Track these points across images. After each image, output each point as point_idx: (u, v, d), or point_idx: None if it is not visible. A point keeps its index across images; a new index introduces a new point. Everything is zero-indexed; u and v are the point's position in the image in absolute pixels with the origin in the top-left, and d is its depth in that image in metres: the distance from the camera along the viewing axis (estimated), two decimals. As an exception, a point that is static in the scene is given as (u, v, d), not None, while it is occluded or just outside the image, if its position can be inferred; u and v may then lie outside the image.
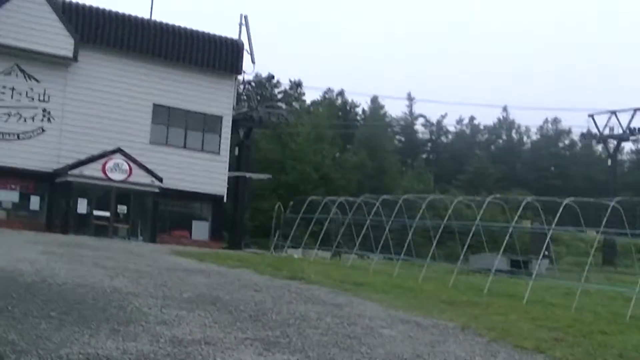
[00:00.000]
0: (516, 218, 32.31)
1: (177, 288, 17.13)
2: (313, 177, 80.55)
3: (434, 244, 32.09)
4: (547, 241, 31.01)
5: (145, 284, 17.22)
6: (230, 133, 52.00)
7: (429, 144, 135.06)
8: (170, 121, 49.75)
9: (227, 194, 51.51)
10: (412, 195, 38.59)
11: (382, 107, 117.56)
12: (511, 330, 15.25)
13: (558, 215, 26.83)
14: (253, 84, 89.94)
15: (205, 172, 49.49)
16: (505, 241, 30.10)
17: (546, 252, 37.24)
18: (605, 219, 28.04)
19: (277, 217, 45.45)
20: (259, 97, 79.92)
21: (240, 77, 56.46)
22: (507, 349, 13.21)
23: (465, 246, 32.23)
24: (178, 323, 12.45)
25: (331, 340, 12.40)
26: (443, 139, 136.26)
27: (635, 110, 77.18)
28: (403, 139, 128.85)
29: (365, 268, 32.99)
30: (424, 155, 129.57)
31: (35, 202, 46.12)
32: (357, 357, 11.28)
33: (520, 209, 30.86)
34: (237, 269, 25.83)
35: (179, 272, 21.55)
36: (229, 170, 51.89)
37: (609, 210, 25.97)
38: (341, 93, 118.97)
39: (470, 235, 31.37)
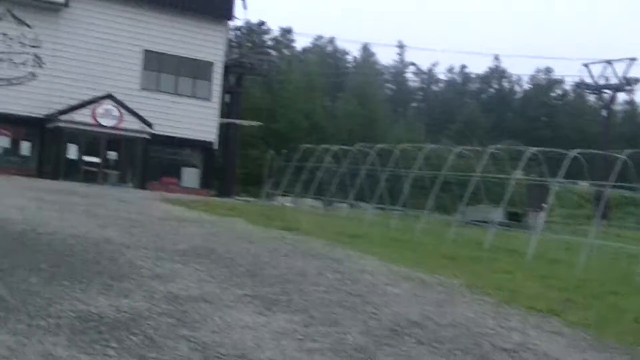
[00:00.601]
0: (518, 170, 31.73)
1: (170, 239, 16.66)
2: (304, 126, 79.96)
3: (432, 196, 31.59)
4: (551, 194, 30.47)
5: (137, 235, 16.74)
6: (221, 80, 51.39)
7: (420, 93, 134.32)
8: (161, 67, 49.22)
9: (218, 141, 50.98)
10: (409, 145, 38.10)
11: (373, 55, 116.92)
12: (520, 291, 14.74)
13: (564, 167, 26.25)
14: (244, 30, 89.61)
15: (196, 118, 48.97)
16: (508, 194, 29.66)
17: (544, 205, 36.81)
18: (613, 173, 27.34)
19: (270, 166, 44.94)
20: (249, 44, 79.09)
21: (231, 23, 55.89)
22: (519, 311, 12.71)
23: (466, 199, 31.76)
24: (173, 277, 11.97)
25: (334, 298, 11.94)
26: (434, 87, 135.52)
27: (632, 59, 76.36)
28: (394, 87, 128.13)
29: (359, 219, 32.49)
30: (415, 104, 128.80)
31: (26, 147, 45.71)
32: (363, 318, 10.83)
33: (524, 161, 30.26)
34: (230, 218, 25.39)
35: (171, 222, 21.09)
36: (220, 117, 51.33)
37: (619, 163, 25.33)
38: (332, 40, 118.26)
39: (472, 188, 30.86)
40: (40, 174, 43.76)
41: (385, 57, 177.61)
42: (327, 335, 9.59)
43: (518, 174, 37.96)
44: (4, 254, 11.96)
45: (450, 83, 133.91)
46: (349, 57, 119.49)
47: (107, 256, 13.15)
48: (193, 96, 49.69)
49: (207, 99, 50.09)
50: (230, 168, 56.00)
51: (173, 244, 15.89)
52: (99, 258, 12.87)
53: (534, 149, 29.82)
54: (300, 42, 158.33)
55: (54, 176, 42.67)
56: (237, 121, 55.29)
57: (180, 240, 16.72)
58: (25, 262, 11.61)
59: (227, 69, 53.19)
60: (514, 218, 40.11)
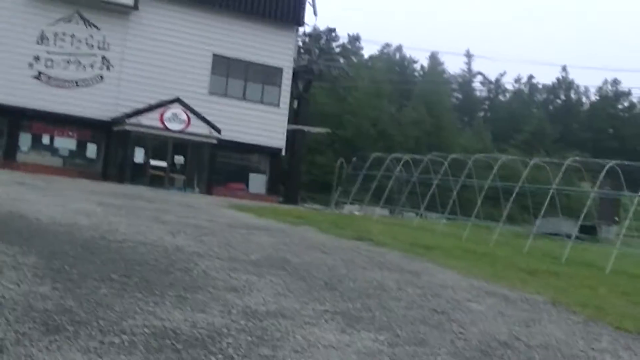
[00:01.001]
0: (598, 183, 30.81)
1: (243, 248, 16.05)
2: (370, 133, 79.49)
3: (507, 207, 30.76)
4: (629, 208, 29.50)
5: (208, 243, 16.16)
6: (290, 85, 50.94)
7: (487, 102, 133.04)
8: (229, 72, 48.84)
9: (285, 147, 50.53)
10: (483, 155, 37.28)
11: (441, 63, 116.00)
12: (605, 308, 14.00)
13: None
14: (312, 36, 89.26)
15: (264, 124, 48.50)
16: (586, 207, 28.75)
17: (616, 218, 35.80)
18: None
19: (339, 173, 44.31)
20: (317, 50, 78.71)
21: (301, 29, 55.48)
22: (607, 330, 11.99)
23: (542, 212, 30.89)
24: (249, 290, 11.36)
25: (417, 315, 11.26)
26: (501, 97, 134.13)
27: None
28: (460, 96, 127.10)
29: (430, 229, 31.76)
30: (481, 114, 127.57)
31: (92, 150, 45.61)
32: (450, 337, 10.15)
33: (603, 173, 29.32)
34: (300, 227, 24.77)
35: (241, 230, 20.49)
36: (287, 123, 50.87)
37: None
38: (399, 48, 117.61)
39: (548, 200, 29.95)
40: (106, 177, 43.64)
41: (453, 66, 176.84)
42: (414, 356, 8.96)
43: (590, 187, 37.00)
44: (72, 263, 11.42)
45: (517, 93, 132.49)
46: (416, 66, 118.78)
47: (179, 266, 12.57)
48: (261, 102, 49.26)
49: (276, 104, 49.64)
50: (296, 174, 55.55)
51: (246, 253, 15.29)
52: (172, 268, 12.29)
53: (611, 162, 28.89)
54: (368, 50, 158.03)
55: (120, 179, 42.46)
56: (306, 128, 54.84)
57: (253, 249, 16.11)
58: (94, 271, 11.06)
59: (296, 75, 52.72)
60: (587, 231, 39.01)
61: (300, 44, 57.69)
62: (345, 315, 10.55)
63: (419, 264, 17.61)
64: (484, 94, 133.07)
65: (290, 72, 50.83)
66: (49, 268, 10.78)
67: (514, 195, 31.01)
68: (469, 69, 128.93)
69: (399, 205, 39.63)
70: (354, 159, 42.77)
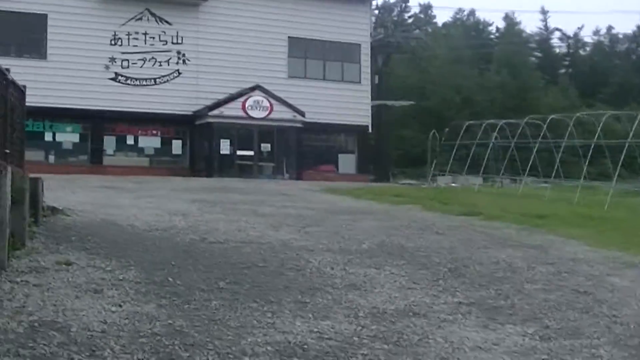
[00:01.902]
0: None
1: (352, 237, 14.94)
2: (455, 101, 77.68)
3: (618, 166, 29.16)
4: None
5: (314, 234, 15.09)
6: (369, 61, 49.80)
7: (567, 59, 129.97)
8: (307, 53, 47.81)
9: (370, 124, 49.43)
10: (584, 114, 35.73)
11: (517, 23, 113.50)
12: None
13: None
14: (383, 9, 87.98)
15: (348, 103, 47.32)
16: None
17: None
18: None
19: (431, 146, 42.99)
20: (392, 23, 77.37)
21: (374, 2, 54.36)
22: None
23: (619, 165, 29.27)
24: (371, 286, 10.26)
25: (560, 299, 10.09)
26: (581, 52, 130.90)
27: None
28: (539, 54, 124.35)
29: (535, 196, 30.29)
30: (562, 71, 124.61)
31: (177, 146, 44.93)
32: (604, 322, 9.01)
33: None
34: (402, 206, 23.65)
35: (343, 215, 19.38)
36: (371, 99, 49.75)
37: None
38: (472, 13, 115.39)
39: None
40: (194, 172, 42.96)
41: (529, 24, 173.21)
42: (575, 351, 7.82)
43: None
44: (177, 272, 10.42)
45: (597, 46, 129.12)
46: (491, 29, 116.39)
47: (290, 264, 11.51)
48: (342, 80, 48.18)
49: (357, 82, 48.52)
50: (384, 151, 54.48)
51: (356, 242, 14.19)
52: (282, 268, 11.23)
53: None
54: (440, 18, 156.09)
55: (208, 173, 41.79)
56: (390, 102, 53.66)
57: (362, 237, 15.01)
58: (201, 280, 10.05)
59: (374, 50, 51.51)
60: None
61: (374, 18, 56.46)
62: (482, 307, 9.44)
63: (540, 237, 16.36)
64: (563, 50, 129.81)
65: (368, 47, 49.64)
66: (152, 281, 9.78)
67: (624, 153, 29.44)
68: (546, 26, 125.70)
69: (498, 174, 38.07)
70: (446, 129, 41.27)
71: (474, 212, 21.22)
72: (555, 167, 32.23)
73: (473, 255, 13.15)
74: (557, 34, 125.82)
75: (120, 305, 8.56)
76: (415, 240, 14.87)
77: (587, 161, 31.59)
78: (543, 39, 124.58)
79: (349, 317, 8.57)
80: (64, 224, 14.17)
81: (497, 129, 37.53)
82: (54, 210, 14.94)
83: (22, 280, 9.26)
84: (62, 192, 23.37)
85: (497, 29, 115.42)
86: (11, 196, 9.88)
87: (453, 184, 38.56)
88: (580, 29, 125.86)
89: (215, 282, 9.95)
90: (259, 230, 15.36)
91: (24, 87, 12.88)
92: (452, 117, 66.97)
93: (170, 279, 9.91)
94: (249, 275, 10.54)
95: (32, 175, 13.07)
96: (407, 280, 10.77)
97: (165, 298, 8.93)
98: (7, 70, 11.17)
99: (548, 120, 34.11)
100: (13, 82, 11.62)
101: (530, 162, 33.34)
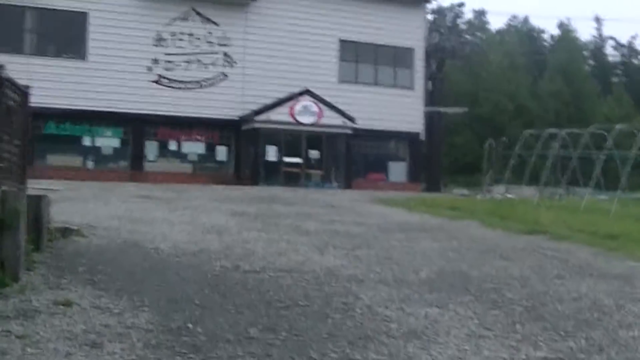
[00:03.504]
0: None
1: (407, 262, 13.08)
2: (508, 108, 75.88)
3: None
4: None
5: (364, 259, 13.25)
6: (423, 66, 48.16)
7: (621, 67, 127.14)
8: (358, 57, 46.44)
9: (423, 131, 47.80)
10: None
11: (572, 30, 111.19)
12: None
13: None
14: (438, 13, 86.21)
15: (400, 109, 45.83)
16: None
17: None
18: None
19: (488, 155, 41.09)
20: (442, 30, 75.43)
21: (428, 6, 52.68)
22: None
23: None
24: (434, 333, 8.38)
25: (671, 354, 8.20)
26: (634, 61, 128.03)
27: None
28: (592, 63, 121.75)
29: (599, 210, 28.26)
30: (616, 79, 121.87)
31: (221, 152, 43.58)
32: None
33: None
34: (459, 222, 21.82)
35: (397, 234, 17.54)
36: (424, 106, 48.11)
37: None
38: (526, 20, 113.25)
39: None
40: (239, 179, 41.54)
41: (582, 32, 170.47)
42: None
43: None
44: (199, 315, 8.56)
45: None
46: (545, 36, 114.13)
47: (336, 303, 9.65)
48: (394, 85, 46.68)
49: (410, 87, 47.07)
50: (436, 159, 52.69)
51: (413, 270, 12.33)
52: (327, 308, 9.36)
53: None
54: (494, 24, 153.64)
55: (253, 181, 40.43)
56: (443, 109, 51.91)
57: (419, 262, 13.16)
58: (227, 326, 8.18)
59: (427, 55, 49.88)
60: None
61: (428, 22, 54.75)
62: (575, 365, 7.58)
63: (618, 263, 14.38)
64: (617, 58, 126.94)
65: (422, 52, 48.33)
66: (167, 329, 7.92)
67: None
68: (600, 34, 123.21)
69: (557, 185, 36.15)
70: (504, 138, 39.41)
71: (538, 230, 19.26)
72: (622, 179, 30.25)
73: (550, 289, 11.23)
74: (611, 42, 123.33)
75: (122, 365, 6.82)
76: (479, 267, 12.99)
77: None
78: (597, 47, 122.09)
79: (411, 383, 6.76)
80: (75, 248, 12.30)
81: (558, 138, 35.62)
82: (65, 231, 13.09)
83: (2, 330, 7.48)
84: (94, 203, 21.91)
85: (552, 36, 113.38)
86: (0, 220, 8.24)
87: (508, 195, 36.60)
88: (634, 37, 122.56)
89: (245, 328, 8.09)
90: (302, 253, 13.55)
91: (27, 87, 11.11)
92: (504, 124, 65.25)
93: (189, 325, 8.06)
94: (287, 318, 8.70)
95: (36, 189, 11.37)
96: (477, 324, 8.90)
97: (180, 355, 7.11)
98: (1, 66, 9.44)
99: (612, 131, 32.08)
100: (9, 81, 9.89)
101: (596, 175, 31.34)
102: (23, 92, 10.91)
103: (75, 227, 13.79)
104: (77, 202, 21.91)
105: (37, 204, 11.05)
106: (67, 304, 8.60)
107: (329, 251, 13.98)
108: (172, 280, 10.41)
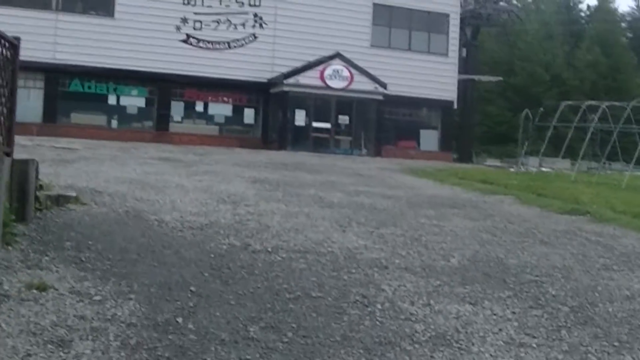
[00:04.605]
0: None
1: (436, 245, 11.83)
2: (543, 78, 74.22)
3: None
4: None
5: (390, 239, 12.01)
6: (457, 32, 46.74)
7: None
8: (392, 21, 45.06)
9: (456, 99, 46.46)
10: None
11: (609, 1, 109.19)
12: None
13: None
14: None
15: (433, 76, 44.55)
16: None
17: None
18: None
19: (523, 127, 39.79)
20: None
21: (464, -30, 51.24)
22: None
23: None
24: (466, 339, 7.16)
25: None
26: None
27: None
28: (630, 34, 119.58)
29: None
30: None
31: (249, 115, 42.55)
32: None
33: None
34: (493, 197, 20.58)
35: (427, 210, 16.28)
36: (457, 73, 46.75)
37: None
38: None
39: None
40: (266, 143, 40.48)
41: (620, 3, 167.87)
42: None
43: None
44: (193, 306, 7.33)
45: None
46: (582, 6, 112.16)
47: (354, 295, 8.42)
48: (428, 52, 45.31)
49: (444, 54, 45.80)
50: (469, 128, 51.53)
51: (443, 255, 11.08)
52: (343, 300, 8.14)
53: None
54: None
55: (281, 145, 39.35)
56: (477, 77, 50.55)
57: (450, 245, 11.92)
58: (224, 321, 6.94)
59: (462, 21, 48.48)
60: None
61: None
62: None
63: (673, 253, 13.10)
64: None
65: (457, 18, 47.04)
66: (152, 323, 6.72)
67: None
68: (637, 6, 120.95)
69: (595, 160, 34.86)
70: (541, 109, 37.94)
71: (579, 209, 17.90)
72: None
73: (597, 284, 9.96)
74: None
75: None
76: (517, 253, 11.73)
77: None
78: (634, 18, 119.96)
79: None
80: (67, 219, 10.95)
81: (600, 111, 34.20)
82: (60, 199, 11.84)
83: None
84: (109, 165, 20.84)
85: (588, 6, 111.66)
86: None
87: (543, 169, 35.31)
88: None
89: (245, 326, 6.88)
90: (322, 230, 12.33)
91: (17, 39, 9.87)
92: (539, 95, 63.63)
93: (179, 320, 6.85)
94: (295, 313, 7.47)
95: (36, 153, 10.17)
96: (516, 328, 7.67)
97: (162, 358, 5.96)
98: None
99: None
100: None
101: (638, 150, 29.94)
102: (12, 45, 9.70)
103: (74, 194, 12.54)
104: (91, 163, 20.89)
105: (23, 169, 9.88)
106: (42, 287, 7.39)
107: (351, 228, 12.78)
108: (169, 261, 9.18)
